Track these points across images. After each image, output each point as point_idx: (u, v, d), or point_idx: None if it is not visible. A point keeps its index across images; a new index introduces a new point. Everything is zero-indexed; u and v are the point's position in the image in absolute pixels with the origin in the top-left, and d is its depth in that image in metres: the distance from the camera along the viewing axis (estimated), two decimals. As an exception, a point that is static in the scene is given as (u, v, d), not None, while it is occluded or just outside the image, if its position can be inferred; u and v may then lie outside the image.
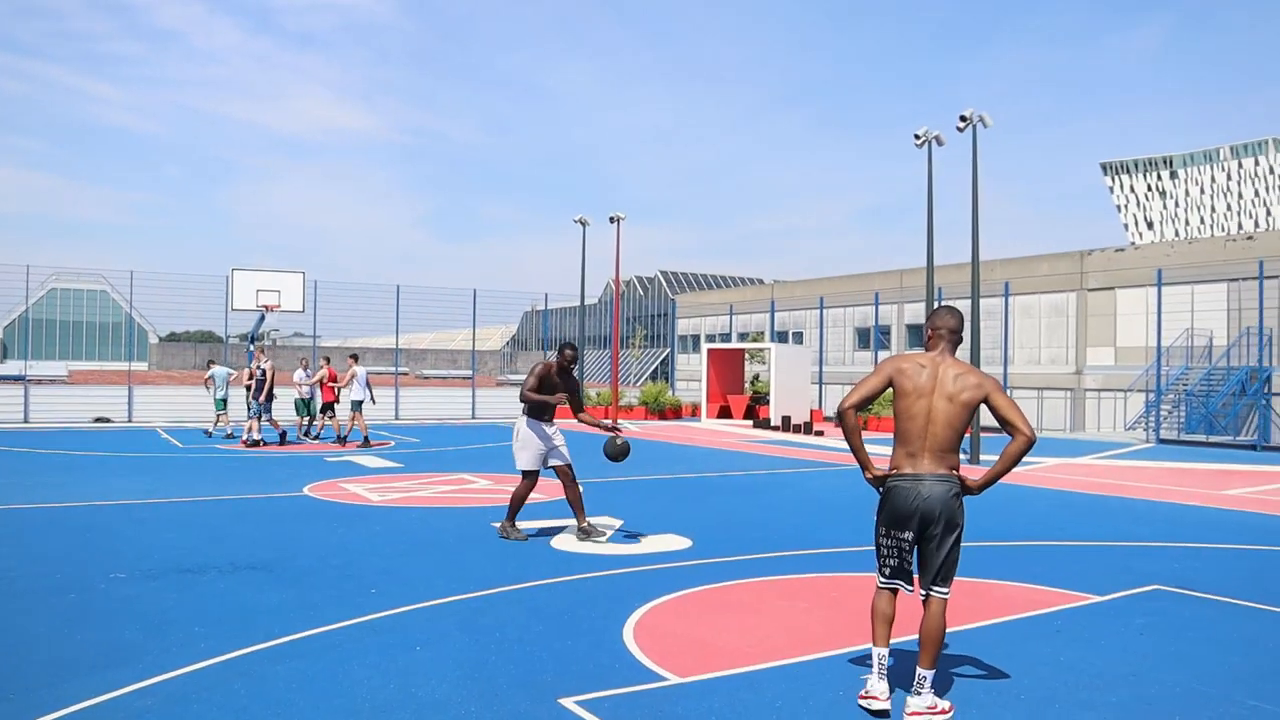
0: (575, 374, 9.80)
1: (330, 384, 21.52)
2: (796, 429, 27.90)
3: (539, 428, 9.45)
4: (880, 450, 6.96)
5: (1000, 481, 4.93)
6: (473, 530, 10.05)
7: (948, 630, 5.20)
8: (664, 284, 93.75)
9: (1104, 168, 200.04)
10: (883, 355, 40.50)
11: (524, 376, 9.74)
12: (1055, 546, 9.41)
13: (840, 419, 4.87)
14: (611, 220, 31.42)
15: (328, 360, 22.59)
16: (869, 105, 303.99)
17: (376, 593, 7.13)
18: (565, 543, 9.37)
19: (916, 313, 39.95)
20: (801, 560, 8.67)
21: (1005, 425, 4.68)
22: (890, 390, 4.90)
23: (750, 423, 30.36)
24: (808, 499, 13.40)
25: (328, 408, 21.69)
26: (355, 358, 21.52)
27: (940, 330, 4.92)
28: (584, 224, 31.93)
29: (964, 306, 30.52)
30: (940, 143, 20.79)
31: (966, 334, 25.54)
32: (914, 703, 4.60)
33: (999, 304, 33.04)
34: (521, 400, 9.40)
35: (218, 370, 22.32)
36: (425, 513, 11.33)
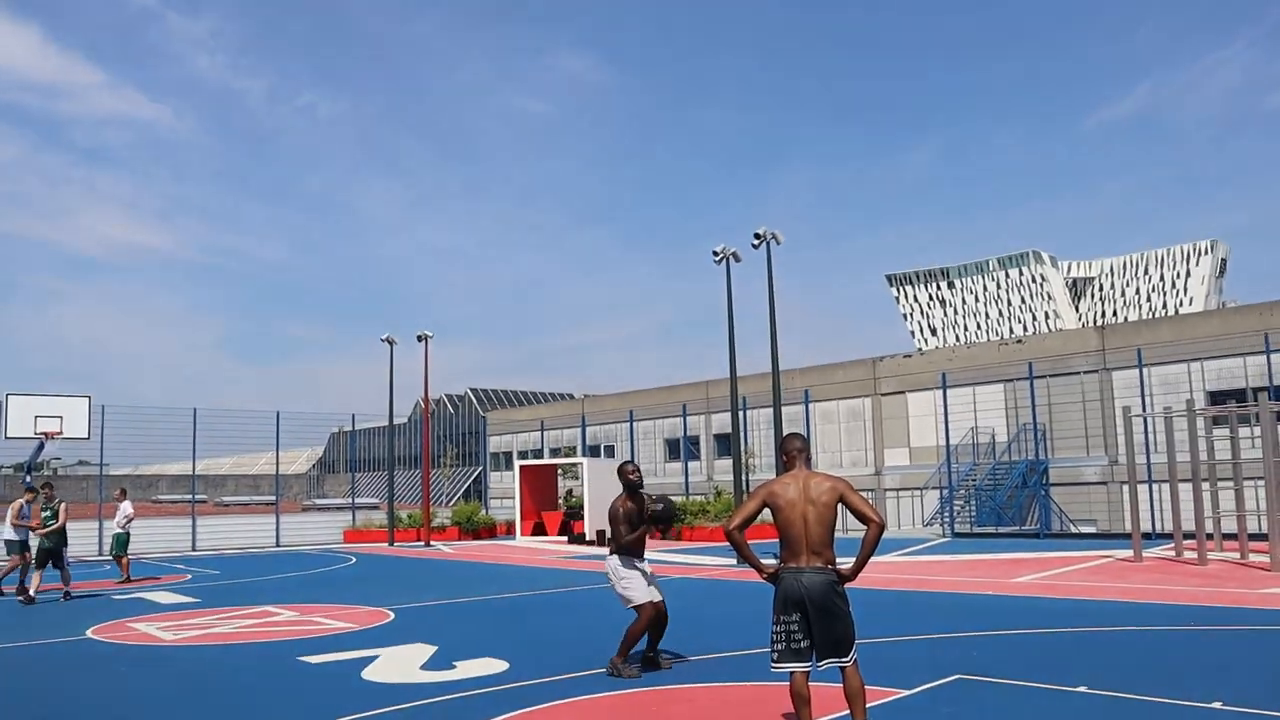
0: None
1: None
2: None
3: (634, 563, 8.87)
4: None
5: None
6: (277, 666, 9.53)
7: None
8: (474, 401, 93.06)
9: (889, 279, 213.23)
10: (693, 465, 41.23)
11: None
12: (862, 644, 9.68)
13: (728, 538, 5.86)
14: (419, 339, 31.14)
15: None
16: (668, 225, 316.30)
17: (170, 742, 6.64)
18: (376, 673, 9.00)
19: (723, 422, 40.97)
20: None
21: (859, 517, 5.70)
22: (766, 509, 5.83)
23: (565, 538, 30.17)
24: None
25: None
26: None
27: (793, 452, 6.00)
28: (391, 343, 31.51)
29: (767, 415, 31.48)
30: (737, 259, 21.72)
31: (771, 441, 26.24)
32: None
33: (801, 411, 34.35)
34: (619, 549, 8.86)
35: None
36: (224, 650, 10.68)
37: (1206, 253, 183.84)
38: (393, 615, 13.25)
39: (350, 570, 21.77)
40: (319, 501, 55.56)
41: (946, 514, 28.89)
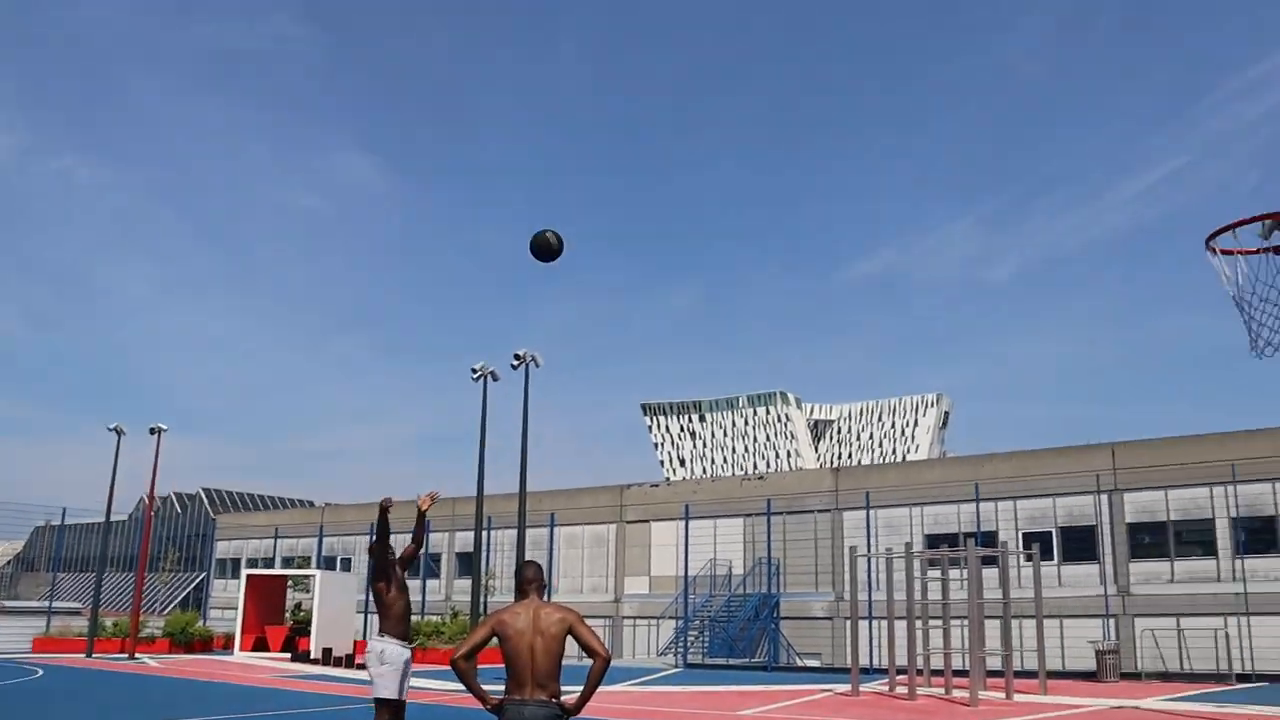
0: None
1: None
2: (338, 662, 26.55)
3: (401, 652, 8.20)
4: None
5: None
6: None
7: None
8: (205, 502, 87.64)
9: (644, 408, 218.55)
10: (432, 584, 40.13)
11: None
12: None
13: (453, 667, 5.60)
14: (152, 431, 29.19)
15: None
16: (430, 337, 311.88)
17: None
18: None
19: (466, 541, 40.16)
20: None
21: (585, 650, 5.55)
22: (495, 637, 5.65)
23: (289, 655, 28.46)
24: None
25: None
26: None
27: (526, 581, 5.89)
28: (120, 432, 29.35)
29: (511, 536, 31.23)
30: (495, 378, 21.78)
31: (514, 562, 25.97)
32: None
33: (545, 534, 34.25)
34: (389, 630, 8.20)
35: None
36: None
37: (933, 405, 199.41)
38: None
39: (34, 684, 19.61)
40: (9, 604, 50.10)
41: (681, 644, 29.25)
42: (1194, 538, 28.20)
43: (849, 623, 23.67)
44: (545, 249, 8.48)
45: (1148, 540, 28.65)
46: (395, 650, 8.40)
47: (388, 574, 8.57)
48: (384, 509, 8.54)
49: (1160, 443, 29.46)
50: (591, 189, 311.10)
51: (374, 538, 8.78)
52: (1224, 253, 5.78)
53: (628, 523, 37.75)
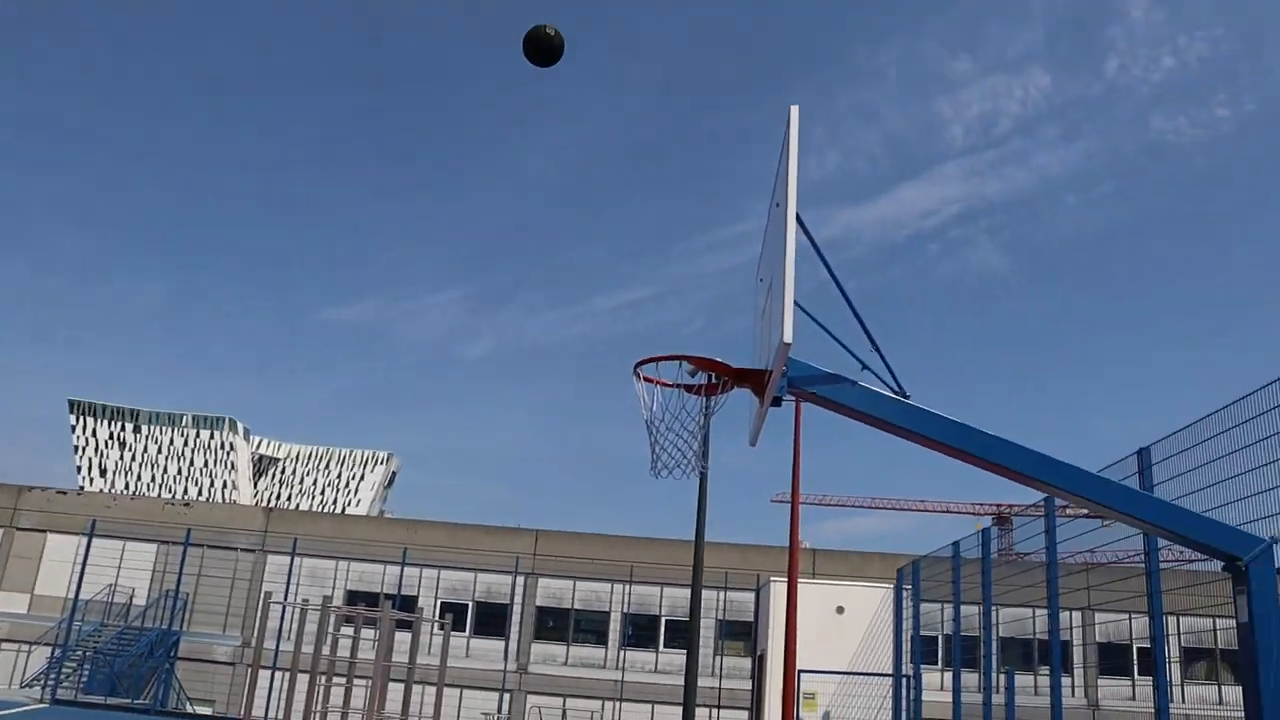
0: None
1: None
2: None
3: None
4: None
5: None
6: None
7: None
8: None
9: (72, 405, 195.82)
10: None
11: None
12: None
13: None
14: None
15: None
16: None
17: None
18: None
19: None
20: None
21: None
22: None
23: None
24: None
25: None
26: None
27: None
28: None
29: None
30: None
31: None
32: None
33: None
34: None
35: None
36: None
37: (382, 463, 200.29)
38: None
39: None
40: None
41: (54, 676, 26.16)
42: (591, 626, 30.96)
43: (250, 670, 22.73)
44: (540, 45, 6.18)
45: (552, 624, 30.94)
46: None
47: None
48: None
49: (575, 536, 32.16)
50: (73, 134, 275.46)
51: None
52: (647, 380, 6.70)
53: (19, 529, 33.41)
